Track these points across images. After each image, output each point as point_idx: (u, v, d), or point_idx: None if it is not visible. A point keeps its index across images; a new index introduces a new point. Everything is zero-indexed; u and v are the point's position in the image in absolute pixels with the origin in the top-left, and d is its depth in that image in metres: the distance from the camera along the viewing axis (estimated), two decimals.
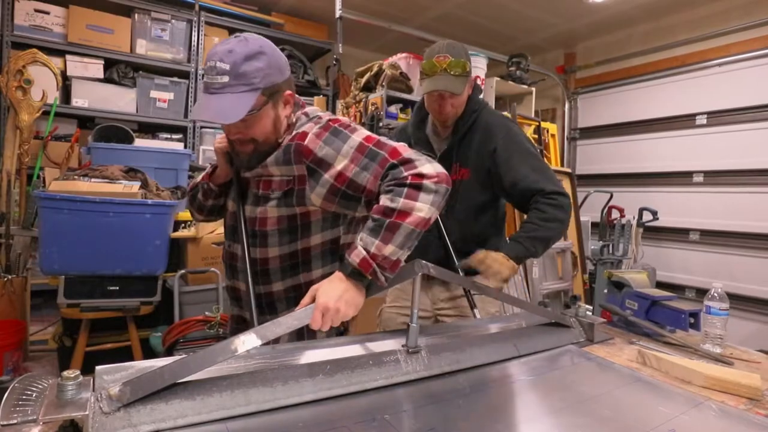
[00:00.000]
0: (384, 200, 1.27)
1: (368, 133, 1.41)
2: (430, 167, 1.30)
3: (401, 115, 4.19)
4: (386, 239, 1.24)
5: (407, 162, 1.30)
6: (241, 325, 1.60)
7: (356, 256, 1.24)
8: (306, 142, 1.37)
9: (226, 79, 1.28)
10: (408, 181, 1.26)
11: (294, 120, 1.48)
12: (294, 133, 1.42)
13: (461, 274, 1.97)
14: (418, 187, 1.26)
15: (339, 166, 1.34)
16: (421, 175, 1.27)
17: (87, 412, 0.81)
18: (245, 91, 1.30)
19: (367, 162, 1.33)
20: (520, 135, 2.09)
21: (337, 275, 1.27)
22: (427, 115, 2.22)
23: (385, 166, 1.31)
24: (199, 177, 1.71)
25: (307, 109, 1.53)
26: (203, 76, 1.34)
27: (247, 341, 1.04)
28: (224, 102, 1.28)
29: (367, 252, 1.24)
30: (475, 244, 2.00)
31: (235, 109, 1.29)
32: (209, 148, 4.69)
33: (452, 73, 1.99)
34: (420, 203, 1.25)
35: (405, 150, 1.34)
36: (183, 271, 3.38)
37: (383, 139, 1.39)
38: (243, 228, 1.48)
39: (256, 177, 1.48)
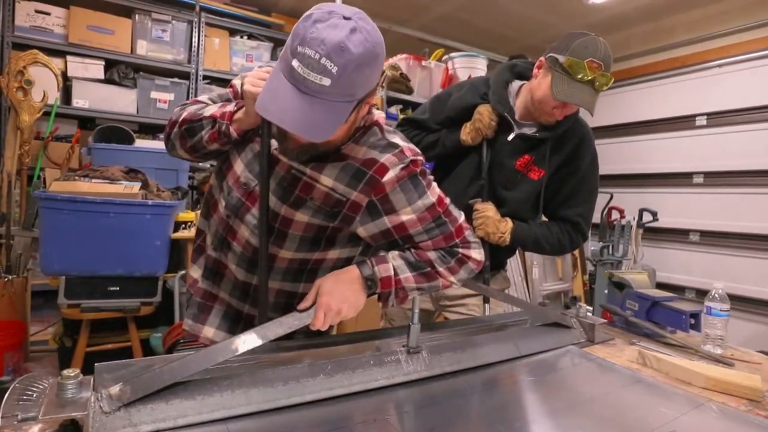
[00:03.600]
0: (431, 255, 1.32)
1: (439, 192, 1.34)
2: (478, 255, 1.38)
3: (401, 116, 4.17)
4: (417, 279, 1.30)
5: (466, 243, 1.36)
6: (208, 302, 1.47)
7: (384, 270, 1.26)
8: (384, 180, 1.24)
9: (327, 82, 0.99)
10: (459, 256, 1.35)
11: (362, 124, 1.29)
12: (368, 156, 1.25)
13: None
14: (462, 264, 1.35)
15: (404, 218, 1.27)
16: (469, 258, 1.36)
17: (87, 412, 0.81)
18: (342, 102, 1.06)
19: (432, 227, 1.30)
20: (598, 166, 2.05)
21: (348, 274, 1.26)
22: (513, 79, 2.01)
23: (450, 244, 1.34)
24: (206, 110, 1.36)
25: (378, 118, 1.34)
26: (293, 55, 1.00)
27: (248, 341, 1.04)
28: (315, 111, 1.03)
29: (395, 275, 1.26)
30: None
31: (326, 124, 1.06)
32: None
33: (596, 86, 1.73)
34: (456, 277, 1.36)
35: (467, 228, 1.38)
36: (183, 272, 3.37)
37: (451, 205, 1.36)
38: (264, 215, 1.27)
39: (295, 171, 1.28)
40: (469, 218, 1.89)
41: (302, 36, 0.99)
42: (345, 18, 1.01)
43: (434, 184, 1.34)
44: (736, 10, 4.60)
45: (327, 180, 1.26)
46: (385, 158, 1.24)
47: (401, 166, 1.25)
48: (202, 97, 1.48)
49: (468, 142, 1.95)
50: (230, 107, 1.31)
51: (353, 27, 1.00)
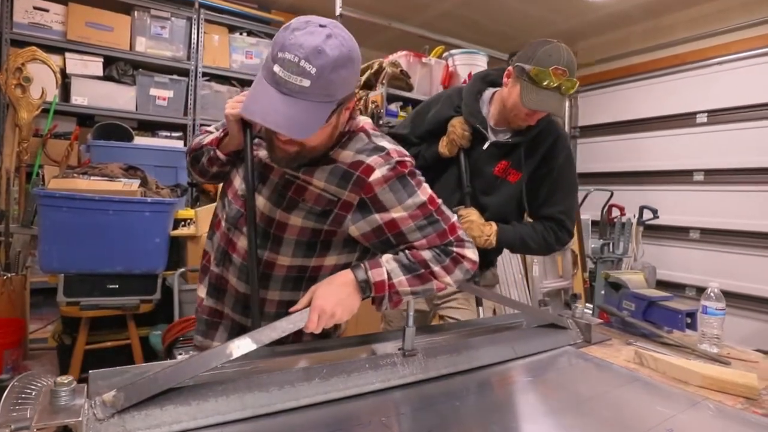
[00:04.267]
0: (426, 254, 1.30)
1: (430, 191, 1.35)
2: (473, 254, 1.36)
3: (401, 113, 4.18)
4: (411, 282, 1.29)
5: (461, 241, 1.35)
6: (215, 318, 1.51)
7: (378, 275, 1.25)
8: (370, 179, 1.26)
9: (306, 83, 1.06)
10: (453, 255, 1.33)
11: (347, 129, 1.32)
12: (356, 159, 1.28)
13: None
14: (458, 263, 1.33)
15: (395, 215, 1.28)
16: (464, 257, 1.34)
17: (81, 419, 0.81)
18: (322, 102, 1.12)
19: (425, 225, 1.30)
20: (574, 163, 2.09)
21: (342, 279, 1.26)
22: (485, 88, 2.07)
23: (444, 241, 1.33)
24: (206, 138, 1.49)
25: (363, 123, 1.37)
26: (274, 61, 1.08)
27: (242, 346, 1.04)
28: (297, 110, 1.09)
29: (389, 279, 1.26)
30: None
31: (307, 123, 1.12)
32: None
33: (562, 91, 1.80)
34: (451, 277, 1.33)
35: (459, 228, 1.37)
36: (183, 270, 3.38)
37: (443, 205, 1.37)
38: (253, 222, 1.32)
39: (288, 175, 1.33)
40: None
41: (282, 43, 1.08)
42: (321, 26, 1.10)
43: (425, 184, 1.35)
44: (735, 8, 4.59)
45: (319, 182, 1.29)
46: (371, 159, 1.28)
47: (388, 166, 1.28)
48: (210, 128, 1.58)
49: (446, 154, 2.02)
50: (218, 134, 1.45)
51: (329, 33, 1.09)
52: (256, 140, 1.38)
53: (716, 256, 4.75)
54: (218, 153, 1.42)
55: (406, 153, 1.35)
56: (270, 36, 5.09)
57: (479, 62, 4.46)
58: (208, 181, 1.62)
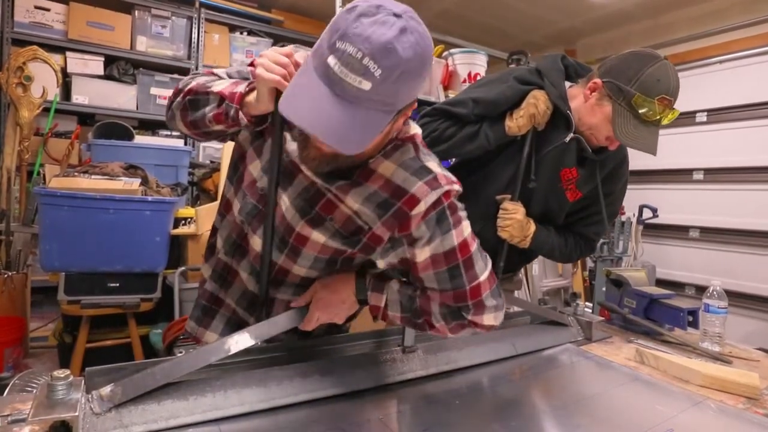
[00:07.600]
0: (434, 308, 1.16)
1: (466, 234, 1.13)
2: (493, 320, 1.18)
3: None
4: (404, 321, 1.20)
5: (480, 307, 1.15)
6: (213, 306, 1.37)
7: (375, 300, 1.19)
8: (413, 213, 1.07)
9: (366, 86, 0.85)
10: (465, 321, 1.17)
11: (395, 135, 1.12)
12: (398, 180, 1.09)
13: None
14: (465, 327, 1.18)
15: (419, 255, 1.12)
16: (477, 324, 1.17)
17: (77, 413, 0.81)
18: (381, 111, 0.91)
19: (445, 277, 1.12)
20: (626, 189, 1.96)
21: (344, 291, 1.21)
22: (568, 74, 1.79)
23: (458, 304, 1.15)
24: (215, 85, 1.17)
25: (414, 133, 1.16)
26: (330, 51, 0.86)
27: (240, 341, 1.03)
28: (350, 118, 0.87)
29: (385, 308, 1.20)
30: (526, 251, 1.90)
31: (360, 136, 0.91)
32: (210, 146, 4.67)
33: (662, 123, 1.54)
34: (452, 334, 1.20)
35: (485, 289, 1.15)
36: (183, 268, 3.37)
37: (476, 254, 1.14)
38: (271, 229, 1.17)
39: (320, 184, 1.13)
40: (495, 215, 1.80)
41: (343, 30, 0.85)
42: (395, 15, 0.86)
43: (464, 223, 1.14)
44: (736, 7, 4.58)
45: (352, 203, 1.11)
46: (417, 188, 1.08)
47: (433, 198, 1.08)
48: (219, 71, 1.28)
49: (514, 130, 1.70)
50: (241, 88, 1.11)
51: (403, 26, 0.85)
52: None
53: (716, 255, 4.74)
54: (241, 115, 1.08)
55: (453, 179, 1.15)
56: (270, 35, 5.09)
57: (479, 61, 4.47)
58: (195, 135, 1.28)
